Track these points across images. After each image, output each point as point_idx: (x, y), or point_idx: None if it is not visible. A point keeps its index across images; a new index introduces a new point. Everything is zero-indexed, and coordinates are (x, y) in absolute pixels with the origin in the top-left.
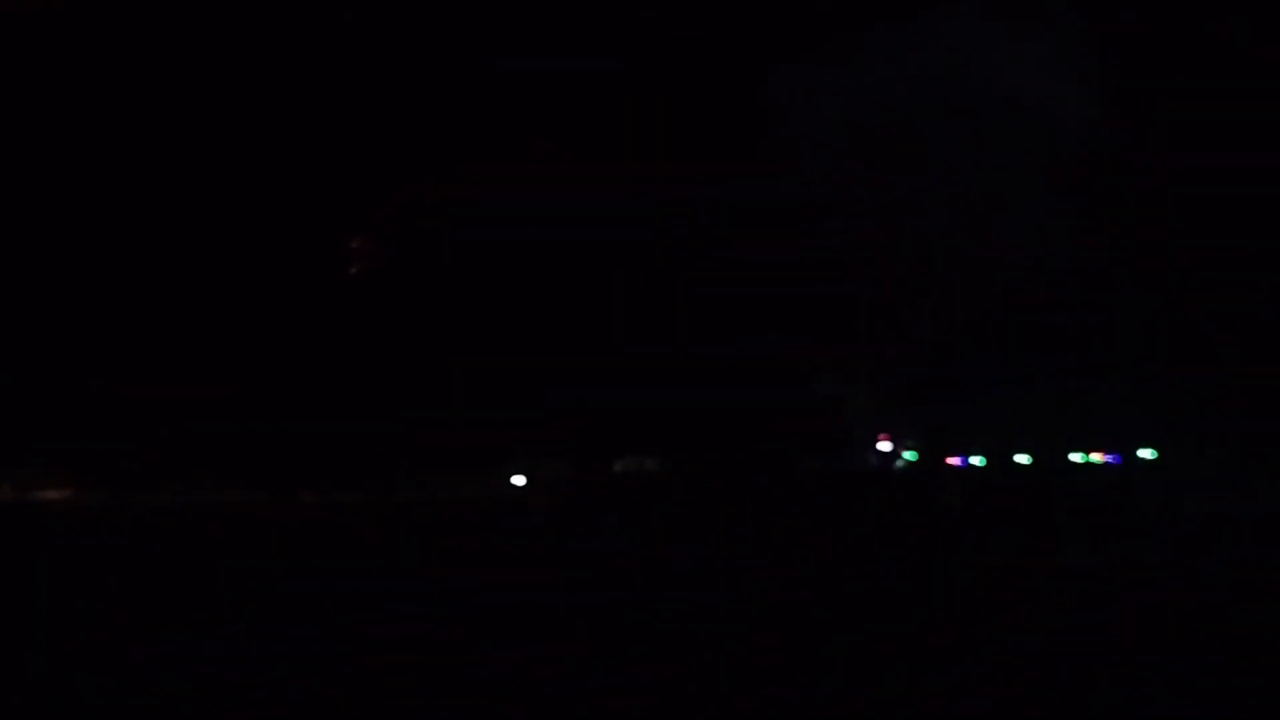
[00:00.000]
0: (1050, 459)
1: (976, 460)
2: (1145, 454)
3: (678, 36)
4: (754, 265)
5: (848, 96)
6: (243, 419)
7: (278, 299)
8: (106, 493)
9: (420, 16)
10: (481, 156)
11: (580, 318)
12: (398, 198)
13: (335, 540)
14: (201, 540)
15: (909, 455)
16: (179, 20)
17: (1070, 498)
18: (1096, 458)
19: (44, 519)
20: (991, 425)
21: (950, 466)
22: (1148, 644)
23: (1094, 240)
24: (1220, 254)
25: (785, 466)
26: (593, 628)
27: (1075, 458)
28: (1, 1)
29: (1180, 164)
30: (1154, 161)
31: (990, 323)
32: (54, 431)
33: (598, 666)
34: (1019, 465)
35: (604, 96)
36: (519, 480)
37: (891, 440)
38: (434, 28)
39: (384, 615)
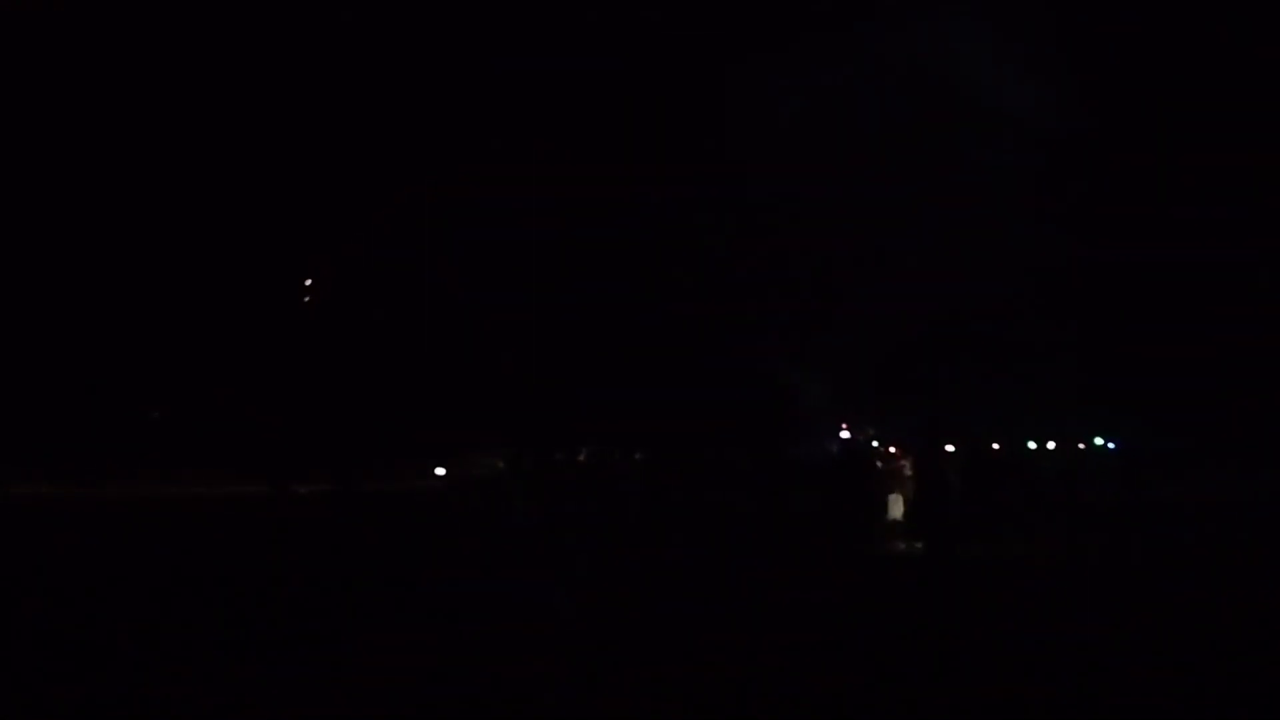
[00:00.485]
0: (1010, 446)
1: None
2: (1100, 442)
3: (640, 40)
4: (716, 261)
5: (812, 97)
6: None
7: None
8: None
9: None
10: (436, 161)
11: (546, 315)
12: (371, 205)
13: (325, 529)
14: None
15: (874, 443)
16: (178, 29)
17: (1025, 485)
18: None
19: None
20: (950, 415)
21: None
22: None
23: (1053, 237)
24: (1178, 251)
25: (749, 454)
26: (564, 608)
27: (1031, 445)
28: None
29: (1139, 163)
30: (1113, 161)
31: (949, 316)
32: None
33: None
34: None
35: (570, 99)
36: (440, 471)
37: (850, 429)
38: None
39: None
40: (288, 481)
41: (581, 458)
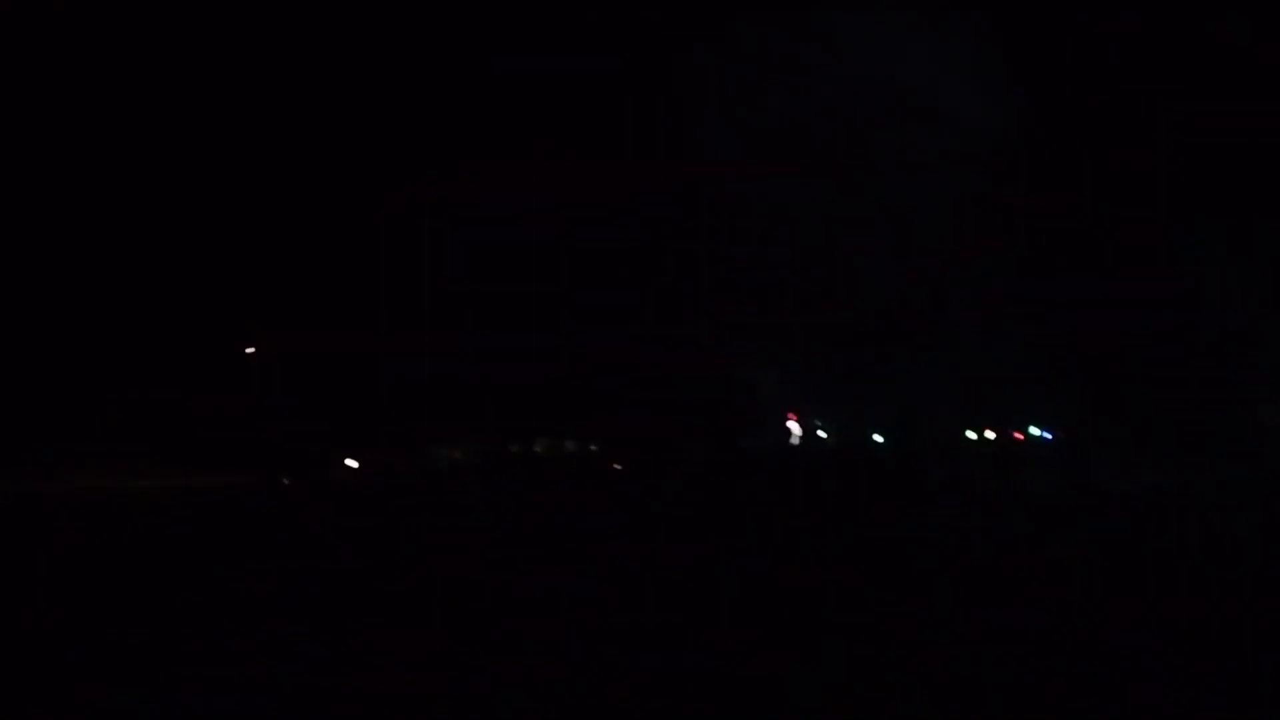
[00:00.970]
0: (949, 437)
1: (878, 438)
2: (1036, 432)
3: (591, 37)
4: (670, 257)
5: (761, 95)
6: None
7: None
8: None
9: None
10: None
11: (502, 312)
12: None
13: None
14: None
15: (820, 433)
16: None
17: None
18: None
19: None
20: (895, 406)
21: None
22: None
23: (995, 231)
24: (1118, 246)
25: (709, 444)
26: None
27: (971, 435)
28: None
29: (1081, 157)
30: (1056, 156)
31: (896, 309)
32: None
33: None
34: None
35: (523, 96)
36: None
37: (799, 420)
38: None
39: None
40: (273, 471)
41: (538, 449)
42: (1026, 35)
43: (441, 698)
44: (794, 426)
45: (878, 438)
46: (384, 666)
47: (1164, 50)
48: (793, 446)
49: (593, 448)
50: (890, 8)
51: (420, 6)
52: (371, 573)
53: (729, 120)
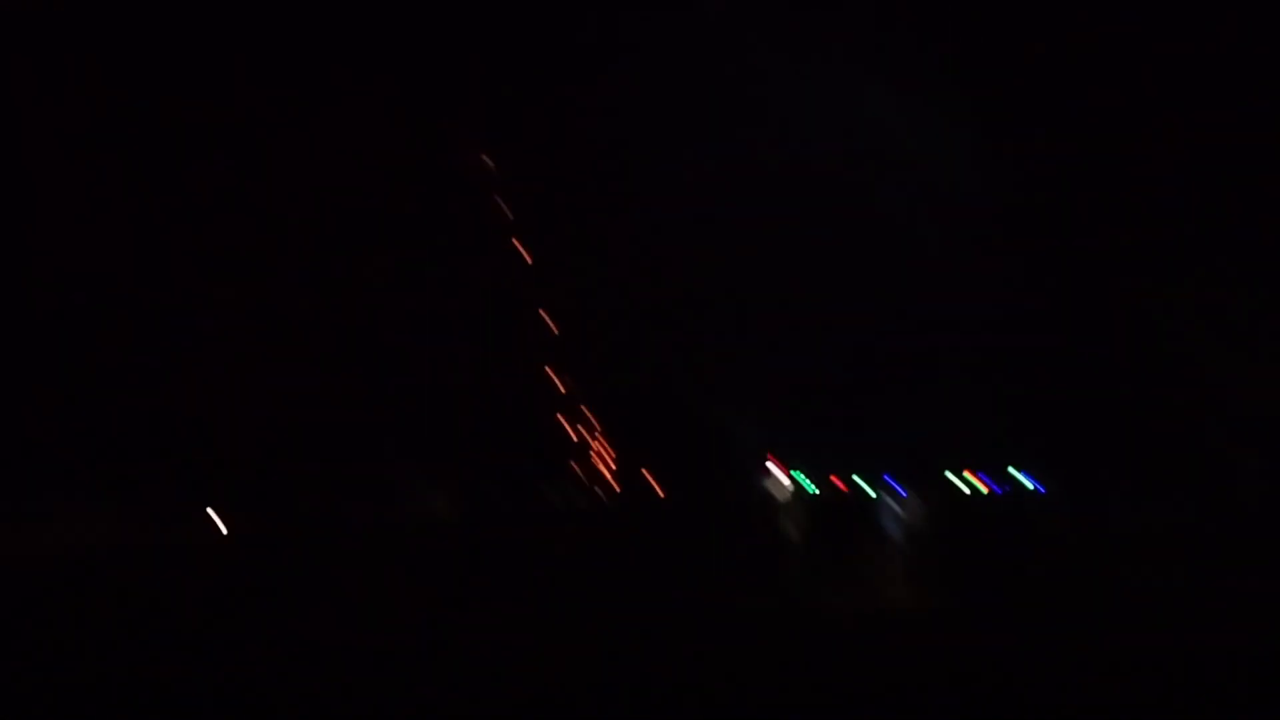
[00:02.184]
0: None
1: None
2: (1020, 478)
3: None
4: (645, 302)
5: (734, 143)
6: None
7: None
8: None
9: None
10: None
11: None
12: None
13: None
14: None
15: (798, 477)
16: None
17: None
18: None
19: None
20: (873, 450)
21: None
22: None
23: (976, 274)
24: (1100, 288)
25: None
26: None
27: (955, 482)
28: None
29: (1067, 204)
30: (1039, 202)
31: (874, 355)
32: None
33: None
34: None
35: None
36: None
37: (777, 463)
38: None
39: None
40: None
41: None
42: (1012, 84)
43: None
44: (774, 469)
45: (863, 485)
46: None
47: (1148, 100)
48: (773, 497)
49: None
50: (871, 54)
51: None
52: None
53: (702, 156)
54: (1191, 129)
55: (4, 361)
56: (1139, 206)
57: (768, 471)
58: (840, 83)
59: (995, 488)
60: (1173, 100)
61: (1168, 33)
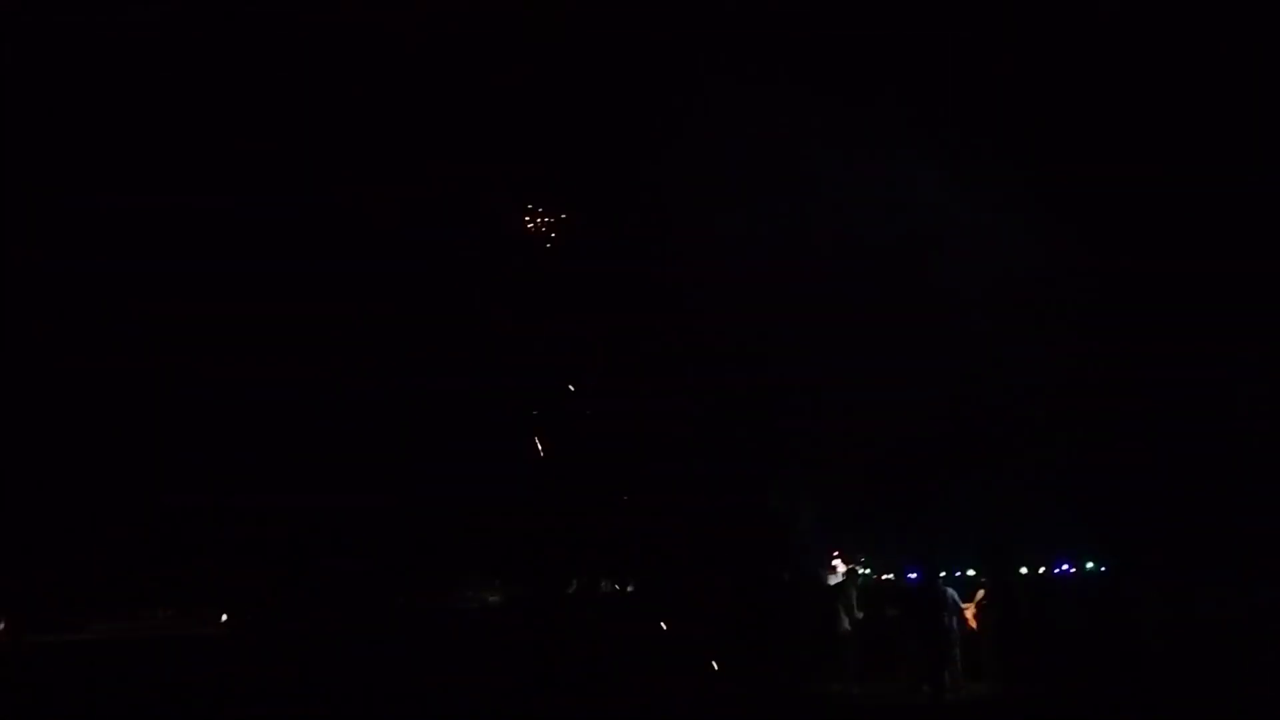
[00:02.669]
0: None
1: (912, 575)
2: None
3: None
4: (706, 391)
5: (784, 224)
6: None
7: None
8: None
9: None
10: None
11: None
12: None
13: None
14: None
15: (862, 571)
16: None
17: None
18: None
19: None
20: (933, 540)
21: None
22: None
23: (1034, 354)
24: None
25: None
26: None
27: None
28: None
29: (1115, 276)
30: (1095, 284)
31: (933, 443)
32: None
33: None
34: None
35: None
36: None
37: (843, 558)
38: None
39: None
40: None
41: (572, 590)
42: (1058, 156)
43: None
44: (840, 565)
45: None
46: None
47: (1208, 171)
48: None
49: (629, 588)
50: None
51: None
52: None
53: (751, 243)
54: (1256, 197)
55: None
56: (1205, 280)
57: (833, 569)
58: (896, 161)
59: (1064, 572)
60: (1233, 170)
61: (1218, 103)
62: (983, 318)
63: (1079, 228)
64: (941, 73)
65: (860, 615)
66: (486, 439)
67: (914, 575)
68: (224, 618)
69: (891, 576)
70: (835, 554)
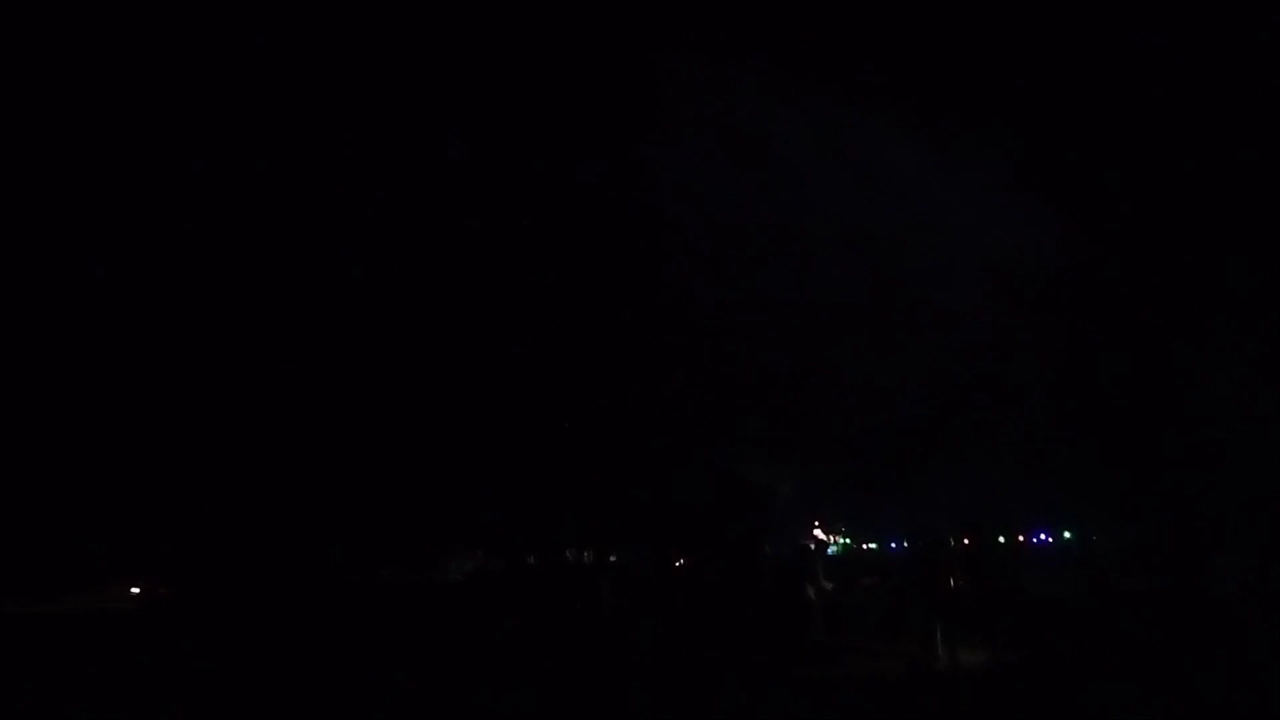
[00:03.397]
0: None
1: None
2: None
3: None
4: (687, 368)
5: (777, 204)
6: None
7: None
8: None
9: None
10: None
11: (519, 422)
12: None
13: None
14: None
15: (843, 541)
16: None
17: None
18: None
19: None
20: (913, 513)
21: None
22: None
23: (1019, 334)
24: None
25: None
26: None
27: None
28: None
29: (1105, 261)
30: (1073, 262)
31: (912, 418)
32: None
33: None
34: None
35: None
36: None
37: (824, 528)
38: None
39: None
40: None
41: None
42: (1053, 148)
43: None
44: (820, 535)
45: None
46: None
47: (1201, 160)
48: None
49: (611, 558)
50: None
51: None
52: None
53: (747, 221)
54: (1246, 188)
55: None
56: (1193, 265)
57: (813, 537)
58: (885, 146)
59: (1042, 543)
60: (1227, 161)
61: (1215, 98)
62: (965, 296)
63: (1059, 207)
64: (929, 59)
65: (829, 585)
66: (463, 411)
67: (895, 545)
68: (134, 590)
69: (875, 546)
70: (816, 524)
